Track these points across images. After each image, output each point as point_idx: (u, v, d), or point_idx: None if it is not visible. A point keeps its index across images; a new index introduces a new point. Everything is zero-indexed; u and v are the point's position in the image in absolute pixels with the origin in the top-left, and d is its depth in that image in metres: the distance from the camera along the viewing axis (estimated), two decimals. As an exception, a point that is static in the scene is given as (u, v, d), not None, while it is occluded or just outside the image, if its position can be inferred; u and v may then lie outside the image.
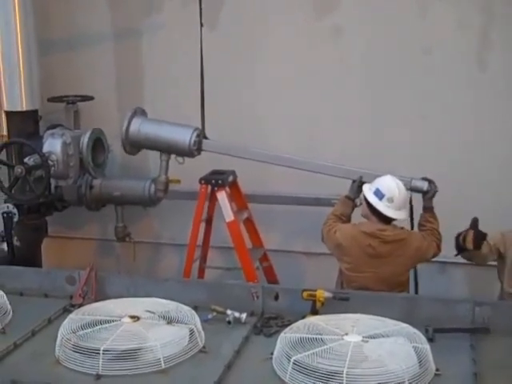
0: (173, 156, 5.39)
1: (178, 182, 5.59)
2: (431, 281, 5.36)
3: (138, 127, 5.38)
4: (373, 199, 4.31)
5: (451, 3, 5.32)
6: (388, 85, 5.53)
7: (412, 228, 4.71)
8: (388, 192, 4.29)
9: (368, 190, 4.37)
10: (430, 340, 3.30)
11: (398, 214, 4.31)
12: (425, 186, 4.70)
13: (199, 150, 5.36)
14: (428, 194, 4.66)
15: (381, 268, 4.24)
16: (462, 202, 5.35)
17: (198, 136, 5.31)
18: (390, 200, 4.28)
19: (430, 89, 5.45)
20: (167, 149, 5.39)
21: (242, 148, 5.31)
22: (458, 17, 5.32)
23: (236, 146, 5.32)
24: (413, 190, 4.73)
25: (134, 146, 5.50)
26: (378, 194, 4.30)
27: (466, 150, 5.49)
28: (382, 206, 4.28)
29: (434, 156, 5.50)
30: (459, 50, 5.36)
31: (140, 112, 5.53)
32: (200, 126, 5.36)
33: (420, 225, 4.59)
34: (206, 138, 5.39)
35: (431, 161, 5.45)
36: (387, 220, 4.31)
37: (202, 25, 5.24)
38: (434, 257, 4.50)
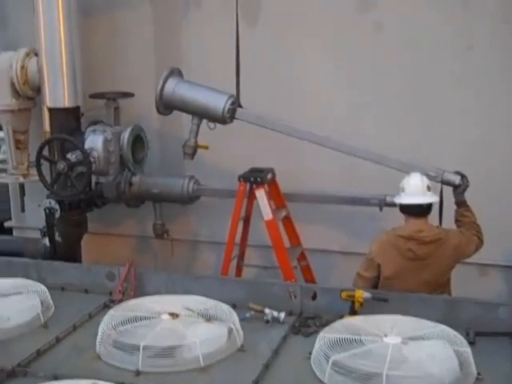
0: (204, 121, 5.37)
1: (207, 147, 5.52)
2: (471, 283, 5.29)
3: (174, 87, 5.35)
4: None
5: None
6: (427, 80, 5.45)
7: (440, 222, 4.63)
8: (401, 184, 4.37)
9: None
10: (471, 343, 3.26)
11: (411, 200, 4.27)
12: (457, 179, 4.66)
13: (232, 117, 5.31)
14: (459, 189, 4.62)
15: (422, 271, 4.19)
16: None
17: (232, 103, 5.27)
18: (402, 189, 4.36)
19: (471, 85, 5.35)
20: (200, 113, 5.35)
21: (275, 120, 5.24)
22: (501, 13, 5.21)
23: (269, 118, 5.25)
24: (444, 182, 4.69)
25: (167, 106, 5.47)
26: (398, 192, 4.40)
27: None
28: (397, 198, 4.36)
29: (476, 153, 5.41)
30: (502, 47, 5.25)
31: (176, 72, 5.49)
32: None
33: (456, 220, 4.55)
34: (240, 106, 5.33)
35: (474, 158, 5.37)
36: (416, 213, 4.25)
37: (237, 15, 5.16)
38: (477, 250, 4.43)
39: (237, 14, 5.19)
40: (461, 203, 4.59)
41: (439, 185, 4.75)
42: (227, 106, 5.25)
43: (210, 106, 5.29)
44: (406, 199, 4.31)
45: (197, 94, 5.34)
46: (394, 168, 4.91)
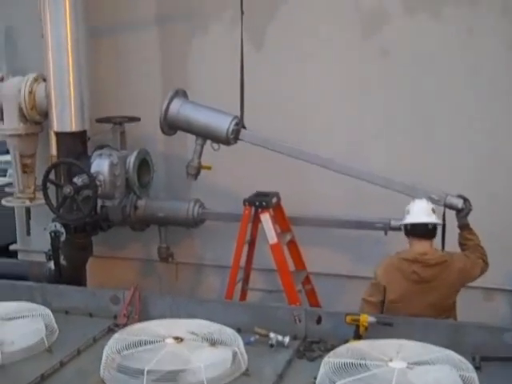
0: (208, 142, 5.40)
1: (210, 168, 5.54)
2: (476, 307, 5.26)
3: (178, 108, 5.40)
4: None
5: (499, 23, 5.26)
6: (431, 105, 5.50)
7: (443, 246, 4.64)
8: (406, 208, 4.42)
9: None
10: (477, 368, 3.24)
11: (415, 219, 4.31)
12: (460, 203, 4.68)
13: (236, 138, 5.34)
14: (462, 213, 4.65)
15: (427, 294, 4.18)
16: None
17: (236, 124, 5.30)
18: (407, 212, 4.40)
19: (478, 109, 5.39)
20: (204, 133, 5.38)
21: (278, 142, 5.27)
22: (507, 39, 5.26)
23: (273, 140, 5.28)
24: (447, 206, 4.70)
25: (171, 127, 5.50)
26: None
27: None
28: (403, 222, 4.39)
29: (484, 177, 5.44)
30: (507, 73, 5.30)
31: (181, 93, 5.54)
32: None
33: (460, 244, 4.56)
34: (244, 127, 5.37)
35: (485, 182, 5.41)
36: (420, 234, 4.26)
37: (242, 12, 5.18)
38: (482, 273, 4.44)
39: (242, 33, 5.24)
40: (464, 226, 4.60)
41: (441, 209, 4.75)
42: (231, 127, 5.28)
43: (214, 126, 5.33)
44: (410, 219, 4.34)
45: (201, 114, 5.39)
46: (398, 191, 4.93)
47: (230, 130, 5.28)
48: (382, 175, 5.04)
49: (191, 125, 5.41)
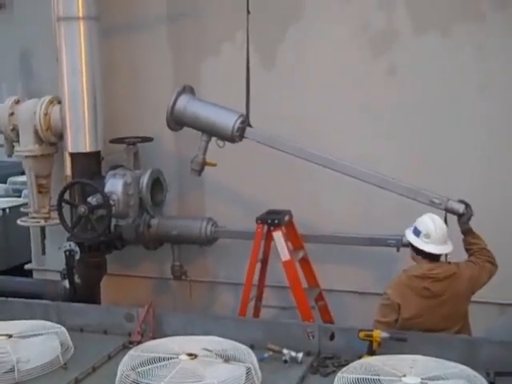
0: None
1: (215, 164, 5.52)
2: (491, 322, 5.24)
3: (185, 104, 5.43)
4: (411, 238, 4.33)
5: (506, 41, 5.31)
6: (435, 114, 5.54)
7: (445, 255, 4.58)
8: (424, 228, 4.28)
9: (408, 231, 4.39)
10: (492, 384, 3.23)
11: (440, 249, 4.25)
12: (461, 208, 4.65)
13: (241, 136, 5.34)
14: (463, 218, 4.61)
15: (441, 307, 4.17)
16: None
17: (242, 122, 5.32)
18: (427, 236, 4.27)
19: (487, 126, 5.41)
20: (210, 130, 5.39)
21: (284, 141, 5.26)
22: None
23: (279, 138, 5.28)
24: (448, 210, 4.68)
25: (177, 122, 5.52)
26: (416, 232, 4.33)
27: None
28: (420, 243, 4.28)
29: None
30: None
31: (189, 89, 5.57)
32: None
33: (466, 250, 4.52)
34: (250, 125, 5.38)
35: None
36: (433, 257, 4.26)
37: (248, 12, 5.19)
38: (491, 276, 4.39)
39: (247, 34, 5.27)
40: (467, 232, 4.57)
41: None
42: (237, 125, 5.30)
43: (220, 123, 5.35)
44: (433, 248, 4.24)
45: (208, 111, 5.41)
46: (400, 194, 4.92)
47: (236, 127, 5.30)
48: (384, 178, 5.00)
49: (197, 121, 5.43)
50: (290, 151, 5.26)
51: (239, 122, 5.32)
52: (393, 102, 5.62)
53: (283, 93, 5.88)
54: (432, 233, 4.26)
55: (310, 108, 5.84)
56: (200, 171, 5.55)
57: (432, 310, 4.16)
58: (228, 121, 5.33)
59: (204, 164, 5.51)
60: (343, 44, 5.72)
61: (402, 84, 5.58)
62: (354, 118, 5.76)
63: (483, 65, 5.38)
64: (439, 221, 4.35)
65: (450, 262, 4.32)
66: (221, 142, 5.42)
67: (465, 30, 5.39)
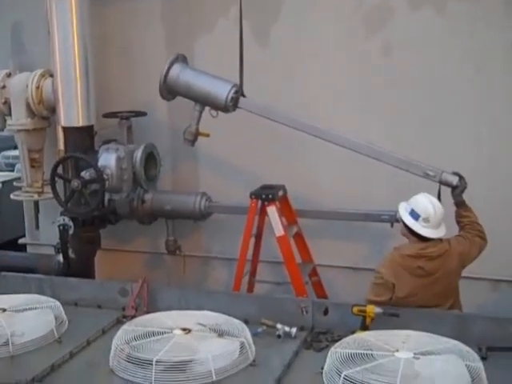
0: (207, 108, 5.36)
1: (208, 135, 5.49)
2: (483, 298, 5.28)
3: (178, 73, 5.38)
4: (409, 221, 4.22)
5: (499, 22, 5.26)
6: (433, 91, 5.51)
7: None
8: (423, 212, 4.19)
9: (404, 211, 4.28)
10: (483, 359, 3.25)
11: (437, 233, 4.20)
12: (455, 180, 4.63)
13: (235, 106, 5.31)
14: (457, 190, 4.60)
15: (433, 285, 4.16)
16: None
17: (236, 92, 5.29)
18: (426, 220, 4.19)
19: (485, 102, 5.40)
20: (203, 100, 5.35)
21: (278, 111, 5.22)
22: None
23: (272, 108, 5.24)
24: (442, 183, 4.67)
25: (170, 91, 5.48)
26: (414, 215, 4.21)
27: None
28: (418, 227, 4.19)
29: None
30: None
31: (182, 59, 5.53)
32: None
33: (457, 222, 4.51)
34: (243, 95, 5.35)
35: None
36: (426, 239, 4.25)
37: None
38: (481, 251, 4.36)
39: (240, 4, 5.21)
40: (460, 204, 4.54)
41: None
42: (230, 95, 5.26)
43: (214, 93, 5.30)
44: (430, 232, 4.18)
45: (201, 80, 5.37)
46: (392, 165, 4.90)
47: (230, 97, 5.26)
48: (378, 149, 4.96)
49: (190, 90, 5.38)
50: (284, 121, 5.22)
51: (233, 91, 5.28)
52: (387, 78, 5.58)
53: (277, 68, 5.83)
54: (431, 217, 4.18)
55: (303, 84, 5.79)
56: (193, 141, 5.53)
57: (426, 289, 4.17)
58: (222, 90, 5.29)
59: (197, 134, 5.48)
60: (338, 20, 5.65)
61: (397, 60, 5.53)
62: (348, 94, 5.72)
63: (480, 47, 5.32)
64: (437, 203, 4.28)
65: (441, 240, 4.31)
66: (214, 112, 5.38)
67: (460, 7, 5.33)
